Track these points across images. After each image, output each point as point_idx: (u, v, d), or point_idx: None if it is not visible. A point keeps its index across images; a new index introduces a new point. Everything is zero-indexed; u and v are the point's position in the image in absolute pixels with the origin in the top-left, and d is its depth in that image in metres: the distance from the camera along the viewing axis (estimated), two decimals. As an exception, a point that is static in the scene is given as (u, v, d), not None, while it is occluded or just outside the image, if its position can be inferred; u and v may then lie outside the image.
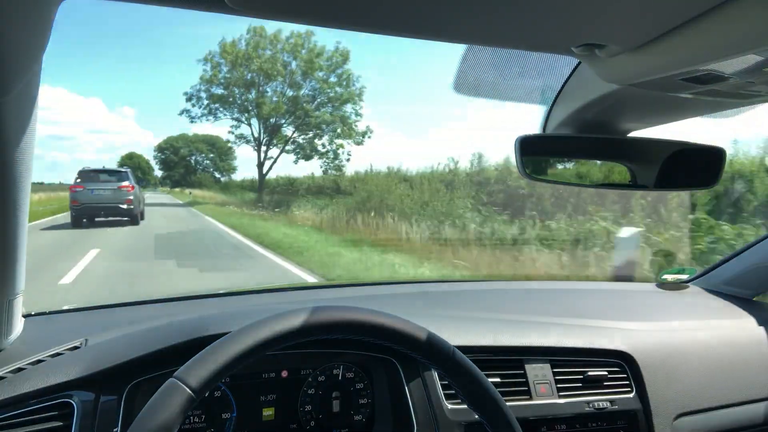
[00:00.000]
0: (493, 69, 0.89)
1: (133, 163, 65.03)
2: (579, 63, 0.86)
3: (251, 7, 0.59)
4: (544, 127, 1.02)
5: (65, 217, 14.17)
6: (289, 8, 0.59)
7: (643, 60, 0.67)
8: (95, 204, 12.96)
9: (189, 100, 27.64)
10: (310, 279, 7.53)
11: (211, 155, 58.84)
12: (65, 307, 1.34)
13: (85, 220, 13.04)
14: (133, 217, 13.54)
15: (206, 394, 0.82)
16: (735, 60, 0.62)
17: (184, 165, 58.43)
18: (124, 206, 13.18)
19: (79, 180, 13.27)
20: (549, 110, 0.99)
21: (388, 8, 0.58)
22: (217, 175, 58.19)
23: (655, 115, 0.97)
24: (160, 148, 59.78)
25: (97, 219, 13.33)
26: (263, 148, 27.77)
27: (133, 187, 13.70)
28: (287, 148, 27.82)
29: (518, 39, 0.68)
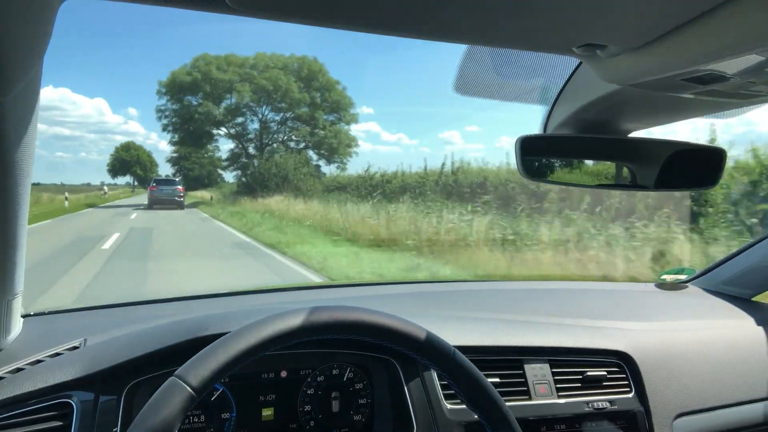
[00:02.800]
0: (494, 69, 0.89)
1: (130, 156, 54.64)
2: (580, 63, 0.86)
3: (252, 7, 0.59)
4: (545, 128, 1.02)
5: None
6: (289, 8, 0.58)
7: (644, 60, 0.67)
8: (162, 197, 22.49)
9: None
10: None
11: (303, 108, 25.54)
12: (64, 308, 1.34)
13: (154, 205, 22.09)
14: (181, 206, 22.85)
15: (206, 394, 0.82)
16: (736, 60, 0.62)
17: (237, 132, 27.97)
18: (177, 199, 22.76)
19: (154, 184, 24.23)
20: (550, 110, 0.99)
21: (389, 8, 0.58)
22: (316, 159, 26.41)
23: (656, 115, 0.97)
24: (171, 87, 27.30)
25: (155, 206, 21.93)
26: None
27: (183, 189, 24.35)
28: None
29: (519, 39, 0.68)
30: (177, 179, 26.16)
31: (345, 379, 1.10)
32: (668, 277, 1.77)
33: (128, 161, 57.35)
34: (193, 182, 45.43)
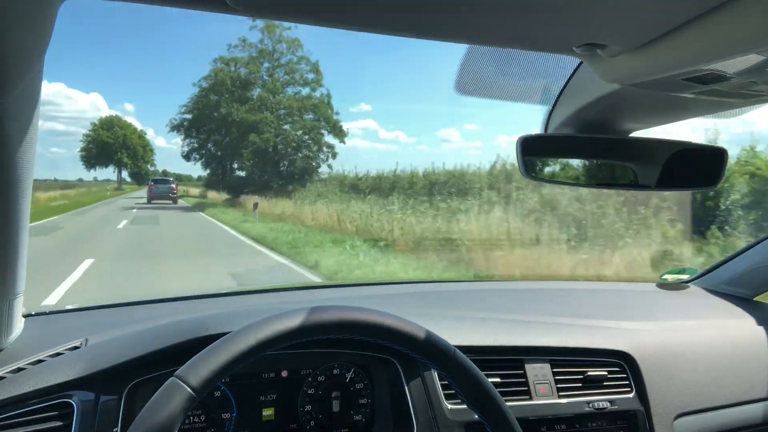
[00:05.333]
0: (495, 69, 0.89)
1: (113, 137, 36.41)
2: (580, 63, 0.86)
3: (252, 6, 0.59)
4: (546, 127, 1.02)
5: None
6: (289, 8, 0.58)
7: (644, 60, 0.67)
8: (159, 193, 26.48)
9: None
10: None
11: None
12: (65, 307, 1.34)
13: (152, 200, 25.89)
14: (175, 201, 26.86)
15: (206, 394, 0.82)
16: (736, 60, 0.62)
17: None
18: (172, 195, 26.91)
19: (152, 182, 28.32)
20: (551, 110, 0.99)
21: (389, 8, 0.58)
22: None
23: (657, 115, 0.97)
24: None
25: (153, 201, 25.88)
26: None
27: (176, 186, 28.21)
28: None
29: (520, 39, 0.68)
30: (171, 179, 30.58)
31: (345, 379, 1.10)
32: (669, 277, 1.77)
33: (110, 144, 37.81)
34: (222, 181, 27.20)
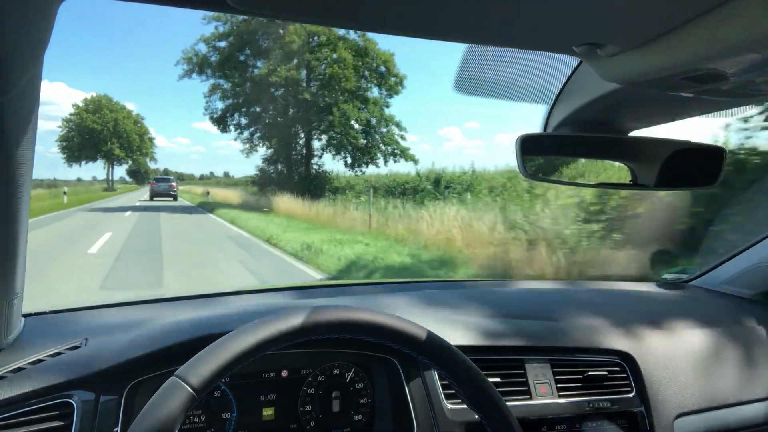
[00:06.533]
0: (494, 68, 0.89)
1: (100, 122, 27.45)
2: (580, 62, 0.86)
3: (253, 6, 0.59)
4: (545, 127, 1.02)
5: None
6: (290, 7, 0.59)
7: (644, 59, 0.67)
8: (160, 191, 28.50)
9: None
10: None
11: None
12: (65, 307, 1.34)
13: (154, 197, 27.91)
14: (175, 197, 28.85)
15: (207, 394, 0.82)
16: (736, 59, 0.62)
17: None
18: (172, 192, 28.93)
19: (154, 180, 30.75)
20: (550, 109, 0.99)
21: (389, 7, 0.58)
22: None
23: (656, 114, 0.97)
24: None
25: (155, 198, 27.84)
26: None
27: (176, 184, 30.45)
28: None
29: (519, 38, 0.68)
30: (171, 177, 32.29)
31: (346, 378, 1.10)
32: (669, 277, 1.77)
33: (98, 132, 28.61)
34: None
